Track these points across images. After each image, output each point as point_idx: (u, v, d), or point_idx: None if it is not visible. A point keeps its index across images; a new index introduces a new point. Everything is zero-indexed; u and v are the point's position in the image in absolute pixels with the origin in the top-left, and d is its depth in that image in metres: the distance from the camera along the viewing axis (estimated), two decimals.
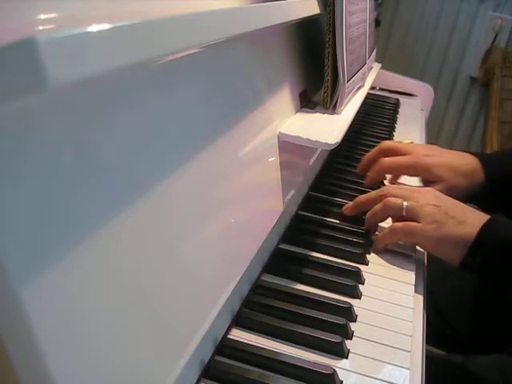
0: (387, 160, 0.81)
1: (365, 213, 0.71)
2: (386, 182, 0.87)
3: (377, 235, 0.68)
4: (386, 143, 0.85)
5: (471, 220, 0.61)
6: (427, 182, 0.81)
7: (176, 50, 0.33)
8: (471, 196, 0.81)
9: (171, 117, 0.38)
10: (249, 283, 0.53)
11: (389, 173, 0.85)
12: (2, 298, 0.23)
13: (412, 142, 0.94)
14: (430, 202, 0.64)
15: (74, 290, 0.27)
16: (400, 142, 0.90)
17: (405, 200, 0.65)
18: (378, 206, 0.68)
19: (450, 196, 0.75)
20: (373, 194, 0.71)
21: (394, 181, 0.86)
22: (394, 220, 0.68)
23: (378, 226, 0.71)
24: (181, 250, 0.37)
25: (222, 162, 0.46)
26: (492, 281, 0.63)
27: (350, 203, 0.73)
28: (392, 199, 0.66)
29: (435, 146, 0.86)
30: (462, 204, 0.66)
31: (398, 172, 0.85)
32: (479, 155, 0.82)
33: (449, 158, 0.81)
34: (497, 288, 0.63)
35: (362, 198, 0.71)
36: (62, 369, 0.25)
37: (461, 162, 0.81)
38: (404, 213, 0.65)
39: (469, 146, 2.05)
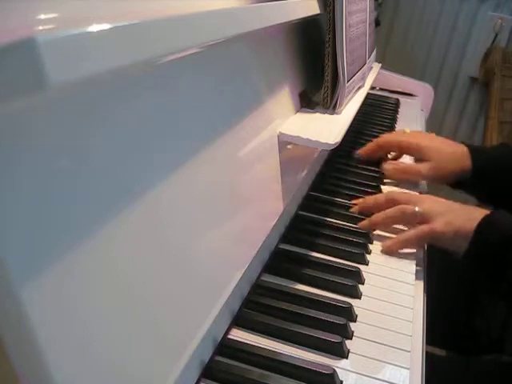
0: (386, 135, 0.95)
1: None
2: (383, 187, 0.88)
3: (399, 236, 0.69)
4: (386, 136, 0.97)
5: (477, 215, 0.65)
6: (418, 161, 0.89)
7: (176, 50, 0.33)
8: (459, 183, 0.88)
9: (171, 117, 0.38)
10: (249, 283, 0.53)
11: (383, 147, 0.94)
12: (2, 298, 0.23)
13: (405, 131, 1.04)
14: (437, 205, 0.69)
15: (74, 291, 0.27)
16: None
17: (413, 205, 0.69)
18: (391, 212, 0.70)
19: (437, 177, 0.85)
20: (380, 198, 0.74)
21: (394, 158, 0.96)
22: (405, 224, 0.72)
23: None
24: (181, 250, 0.37)
25: (222, 162, 0.46)
26: (487, 272, 0.67)
27: (360, 201, 0.76)
28: (406, 206, 0.69)
29: (431, 134, 0.98)
30: (463, 204, 0.70)
31: (391, 147, 0.94)
32: (470, 145, 0.89)
33: (439, 143, 0.90)
34: (490, 280, 0.67)
35: (370, 200, 0.75)
36: (61, 369, 0.25)
37: (449, 147, 0.89)
38: (418, 219, 0.68)
39: None
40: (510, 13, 1.93)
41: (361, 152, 0.94)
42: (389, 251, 0.67)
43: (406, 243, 0.68)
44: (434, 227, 0.66)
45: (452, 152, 0.88)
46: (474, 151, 0.87)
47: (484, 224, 0.64)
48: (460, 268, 0.69)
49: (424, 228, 0.67)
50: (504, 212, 0.66)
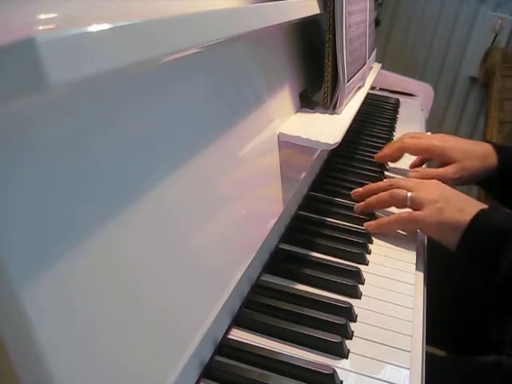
0: (409, 140, 0.91)
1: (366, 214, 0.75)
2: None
3: (381, 219, 0.72)
4: (408, 135, 0.96)
5: (470, 208, 0.66)
6: (442, 165, 0.87)
7: (176, 50, 0.33)
8: (483, 180, 0.87)
9: (171, 117, 0.38)
10: (249, 283, 0.53)
11: (407, 151, 0.93)
12: (2, 297, 0.23)
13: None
14: (434, 191, 0.69)
15: (74, 290, 0.27)
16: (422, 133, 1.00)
17: (410, 191, 0.70)
18: (383, 195, 0.73)
19: (464, 178, 0.83)
20: (382, 183, 0.77)
21: (417, 162, 0.96)
22: (399, 208, 0.73)
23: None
24: (181, 250, 0.37)
25: (223, 162, 0.46)
26: (482, 265, 0.67)
27: (360, 189, 0.78)
28: (398, 190, 0.71)
29: (452, 136, 0.94)
30: (463, 194, 0.70)
31: (415, 152, 0.93)
32: (493, 143, 0.89)
33: (462, 143, 0.89)
34: (485, 272, 0.67)
35: (372, 185, 0.77)
36: (62, 369, 0.25)
37: (474, 146, 0.88)
38: (408, 203, 0.70)
39: None
40: (510, 13, 1.93)
41: (379, 157, 0.93)
42: (370, 230, 0.70)
43: (386, 226, 0.70)
44: (414, 214, 0.68)
45: (476, 150, 0.86)
46: (499, 148, 0.86)
47: (479, 217, 0.64)
48: (459, 268, 0.68)
49: (403, 214, 0.69)
50: (500, 207, 0.66)
